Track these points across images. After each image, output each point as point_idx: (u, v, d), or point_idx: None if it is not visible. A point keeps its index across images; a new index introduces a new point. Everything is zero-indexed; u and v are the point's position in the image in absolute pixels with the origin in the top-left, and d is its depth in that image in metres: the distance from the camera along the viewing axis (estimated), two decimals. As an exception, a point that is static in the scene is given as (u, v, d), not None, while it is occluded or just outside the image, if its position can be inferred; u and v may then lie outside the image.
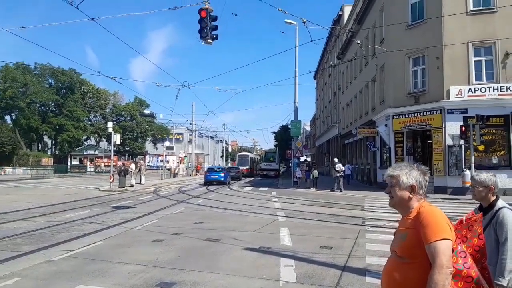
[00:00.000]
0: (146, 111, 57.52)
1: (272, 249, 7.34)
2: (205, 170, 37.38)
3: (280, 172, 51.00)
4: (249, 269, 6.02)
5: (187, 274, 5.69)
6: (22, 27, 16.12)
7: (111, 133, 25.38)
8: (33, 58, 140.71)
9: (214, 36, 13.89)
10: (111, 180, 23.22)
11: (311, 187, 23.93)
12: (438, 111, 18.99)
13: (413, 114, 20.26)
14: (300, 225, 10.36)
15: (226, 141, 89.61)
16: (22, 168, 36.64)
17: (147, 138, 64.47)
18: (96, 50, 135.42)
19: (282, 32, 49.03)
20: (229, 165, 65.41)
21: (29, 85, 46.75)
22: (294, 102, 29.44)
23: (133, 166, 26.80)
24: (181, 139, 76.06)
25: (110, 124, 25.51)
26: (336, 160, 24.96)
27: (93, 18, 14.93)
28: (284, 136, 53.24)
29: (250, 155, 57.28)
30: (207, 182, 29.44)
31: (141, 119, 59.84)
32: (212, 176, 30.12)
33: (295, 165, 28.57)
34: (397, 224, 2.32)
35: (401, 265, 2.08)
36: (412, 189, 2.14)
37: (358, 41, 25.42)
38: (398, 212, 2.25)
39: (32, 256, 6.75)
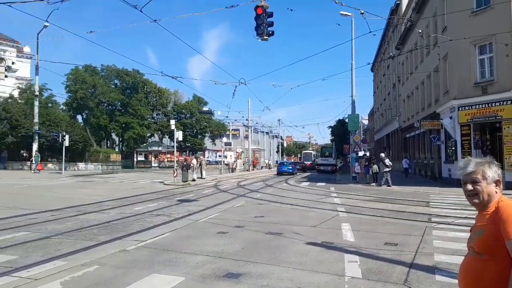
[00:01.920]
0: (205, 109, 59.27)
1: (335, 244, 7.31)
2: (277, 164, 49.27)
3: (337, 167, 50.18)
4: (312, 263, 6.06)
5: (252, 266, 5.85)
6: (91, 32, 17.30)
7: (173, 130, 26.54)
8: (100, 60, 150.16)
9: (270, 32, 14.00)
10: (174, 175, 24.26)
11: (371, 183, 23.32)
12: (509, 102, 17.65)
13: (480, 105, 19.00)
14: (362, 221, 10.18)
15: (281, 136, 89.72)
16: (93, 163, 39.40)
17: (206, 134, 66.38)
18: (156, 51, 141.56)
19: (338, 25, 48.64)
20: (285, 160, 70.98)
21: (97, 86, 49.94)
22: (351, 95, 28.78)
23: (194, 161, 27.80)
24: (238, 135, 77.42)
25: (172, 122, 26.67)
26: (383, 155, 24.15)
27: (155, 20, 15.70)
28: (341, 130, 52.24)
29: (313, 152, 69.44)
30: (279, 173, 38.71)
31: (200, 116, 61.72)
32: (283, 168, 40.09)
33: (353, 160, 27.98)
34: (466, 221, 2.25)
35: (479, 262, 2.01)
36: (497, 183, 2.07)
37: (420, 30, 24.24)
38: (467, 209, 2.18)
39: (108, 245, 7.28)
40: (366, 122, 73.22)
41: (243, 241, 7.67)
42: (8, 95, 46.36)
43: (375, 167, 23.89)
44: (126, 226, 9.25)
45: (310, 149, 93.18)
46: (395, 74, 40.60)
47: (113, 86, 55.11)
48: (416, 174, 31.80)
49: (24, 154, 37.27)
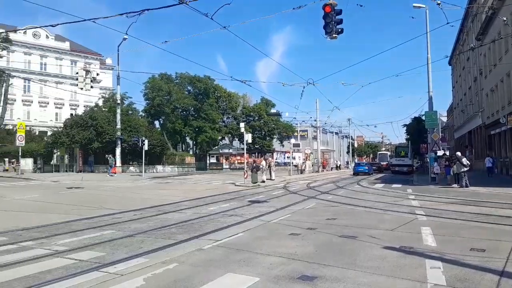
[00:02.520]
0: (273, 110, 59.73)
1: (414, 249, 6.91)
2: (354, 164, 52.79)
3: (414, 168, 47.59)
4: (391, 268, 5.78)
5: (327, 269, 5.73)
6: (166, 41, 18.29)
7: (243, 132, 27.09)
8: (174, 68, 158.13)
9: (339, 30, 13.68)
10: (245, 176, 24.73)
11: (452, 184, 21.73)
12: None
13: None
14: (444, 225, 9.51)
15: (351, 136, 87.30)
16: (170, 166, 41.67)
17: (274, 136, 66.83)
18: (226, 56, 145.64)
19: (412, 17, 45.85)
20: (356, 160, 72.07)
21: (172, 93, 52.69)
22: (428, 91, 27.12)
23: (263, 163, 28.09)
24: (306, 136, 76.80)
25: (242, 125, 27.24)
26: (459, 153, 22.28)
27: (224, 27, 16.14)
28: (416, 128, 49.43)
29: (388, 152, 73.36)
30: (355, 173, 40.03)
31: (268, 118, 62.32)
32: (360, 168, 41.30)
33: (432, 160, 26.31)
34: None
35: None
36: None
37: (504, 18, 22.15)
38: None
39: (186, 244, 7.59)
40: (444, 119, 68.66)
41: (316, 243, 7.56)
42: (94, 104, 50.80)
43: (456, 167, 22.23)
44: (202, 226, 9.59)
45: (383, 149, 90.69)
46: (476, 67, 37.57)
47: (186, 93, 57.74)
48: (502, 174, 29.08)
49: (109, 158, 40.44)
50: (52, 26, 13.79)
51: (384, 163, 55.70)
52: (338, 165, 65.38)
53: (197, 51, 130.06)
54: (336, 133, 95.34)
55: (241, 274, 5.56)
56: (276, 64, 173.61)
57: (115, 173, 32.18)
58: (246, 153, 29.88)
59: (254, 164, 26.17)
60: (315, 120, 51.95)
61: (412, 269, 5.72)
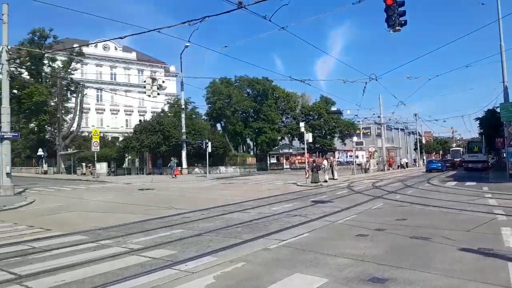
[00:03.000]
0: (333, 109, 58.64)
1: (494, 251, 6.41)
2: (426, 162, 53.74)
3: (489, 164, 44.17)
4: (469, 271, 5.41)
5: (399, 271, 5.51)
6: (225, 46, 18.68)
7: (303, 132, 26.92)
8: (233, 71, 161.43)
9: (402, 22, 13.17)
10: (306, 176, 24.54)
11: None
12: None
13: None
14: (529, 225, 8.72)
15: (418, 132, 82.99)
16: (232, 167, 42.60)
17: (335, 134, 65.57)
18: (283, 57, 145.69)
19: (482, 4, 42.44)
20: (424, 158, 68.77)
21: (232, 96, 53.78)
22: (503, 81, 25.00)
23: (325, 162, 27.69)
24: (369, 133, 74.33)
25: (302, 124, 27.07)
26: None
27: (283, 27, 16.14)
28: (491, 122, 45.78)
29: (460, 149, 69.55)
30: (428, 170, 41.09)
31: (328, 116, 61.29)
32: (433, 166, 42.54)
33: (509, 155, 24.25)
34: None
35: None
36: None
37: None
38: None
39: (252, 243, 7.70)
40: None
41: (386, 245, 7.29)
42: (160, 110, 53.37)
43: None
44: (266, 226, 9.67)
45: (454, 144, 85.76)
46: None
47: (246, 95, 58.61)
48: None
49: (171, 161, 42.22)
50: (120, 38, 14.83)
51: (458, 159, 54.44)
52: (405, 163, 62.53)
53: (255, 54, 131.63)
54: (402, 130, 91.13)
55: (309, 274, 5.53)
56: (335, 61, 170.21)
57: (177, 175, 33.45)
58: (307, 152, 29.62)
59: (314, 164, 25.85)
60: (378, 117, 50.15)
61: (493, 272, 5.32)
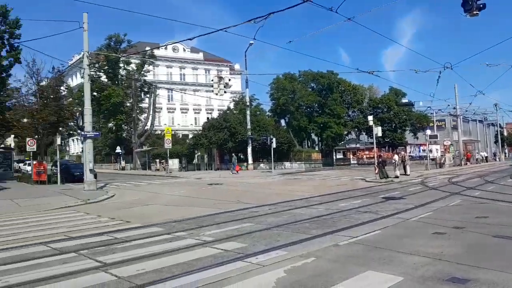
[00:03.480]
0: (403, 101, 55.92)
1: None
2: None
3: None
4: None
5: (482, 272, 5.12)
6: (290, 41, 18.60)
7: (371, 126, 26.02)
8: (297, 66, 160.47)
9: (481, 5, 12.22)
10: (376, 172, 23.72)
11: None
12: None
13: None
14: None
15: (499, 123, 76.29)
16: (297, 162, 42.46)
17: (406, 128, 62.56)
18: (349, 49, 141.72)
19: None
20: (506, 151, 61.66)
21: (296, 91, 53.47)
22: None
23: (396, 157, 26.53)
24: (444, 126, 69.92)
25: (370, 118, 26.20)
26: None
27: (349, 18, 15.69)
28: None
29: None
30: None
31: (398, 109, 58.59)
32: None
33: None
34: None
35: None
36: None
37: None
38: None
39: (321, 239, 7.62)
40: None
41: (465, 243, 6.82)
42: (226, 108, 54.72)
43: None
44: (335, 222, 9.51)
45: None
46: None
47: (310, 89, 57.94)
48: None
49: (241, 157, 43.08)
50: (189, 39, 15.37)
51: None
52: (485, 157, 57.88)
53: (319, 47, 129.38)
54: (480, 121, 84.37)
55: (382, 272, 5.34)
56: (405, 50, 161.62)
57: (238, 171, 33.90)
58: (376, 147, 28.60)
59: (380, 159, 24.95)
60: (454, 108, 47.00)
61: None
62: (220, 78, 25.96)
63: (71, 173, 27.57)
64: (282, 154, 41.88)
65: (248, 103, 41.09)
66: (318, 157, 48.23)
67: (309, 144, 61.10)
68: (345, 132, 60.49)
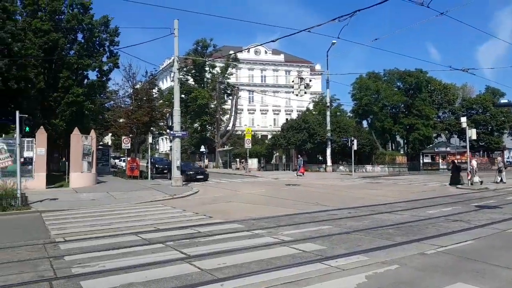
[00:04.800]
0: (502, 101, 50.63)
1: None
2: None
3: None
4: None
5: None
6: (376, 39, 17.87)
7: (464, 128, 23.97)
8: (382, 65, 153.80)
9: None
10: (468, 178, 21.83)
11: None
12: None
13: None
14: None
15: None
16: (380, 166, 40.61)
17: (504, 131, 56.66)
18: (439, 45, 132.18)
19: None
20: None
21: (381, 91, 51.28)
22: None
23: (474, 162, 24.50)
24: (552, 128, 61.90)
25: (463, 119, 24.16)
26: None
27: (442, 13, 14.65)
28: None
29: None
30: None
31: (495, 110, 53.31)
32: None
33: None
34: None
35: None
36: None
37: None
38: None
39: (406, 247, 7.22)
40: None
41: None
42: (305, 109, 54.44)
43: None
44: (421, 229, 8.94)
45: None
46: None
47: (396, 89, 55.26)
48: None
49: (320, 158, 42.50)
50: (272, 41, 15.54)
51: None
52: None
53: (406, 44, 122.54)
54: None
55: (475, 285, 4.90)
56: (505, 45, 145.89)
57: (303, 173, 33.04)
58: (469, 151, 26.24)
59: (453, 164, 23.73)
60: None
61: None
62: (301, 79, 25.88)
63: (156, 167, 33.07)
64: (364, 157, 40.45)
65: (328, 104, 40.42)
66: (403, 160, 45.61)
67: (393, 147, 58.33)
68: (434, 135, 56.65)
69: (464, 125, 23.74)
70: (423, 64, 79.97)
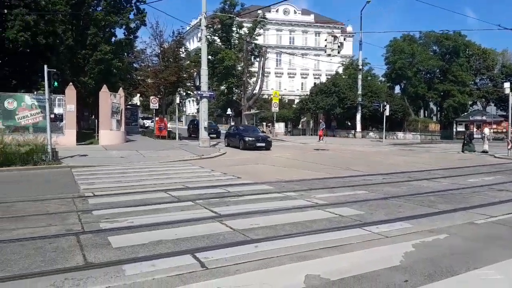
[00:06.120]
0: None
1: None
2: None
3: None
4: None
5: None
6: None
7: (507, 95, 22.47)
8: (416, 27, 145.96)
9: None
10: (508, 147, 20.65)
11: None
12: None
13: None
14: None
15: None
16: (412, 133, 39.18)
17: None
18: (477, 8, 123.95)
19: None
20: None
21: (415, 55, 48.85)
22: None
23: (486, 130, 23.58)
24: None
25: (507, 85, 22.53)
26: None
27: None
28: None
29: None
30: None
31: (540, 77, 50.08)
32: None
33: None
34: None
35: None
36: None
37: None
38: None
39: (451, 215, 6.68)
40: None
41: None
42: (334, 72, 52.72)
43: None
44: (465, 198, 8.33)
45: None
46: None
47: (431, 53, 52.53)
48: None
49: (348, 124, 41.37)
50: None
51: None
52: None
53: (444, 4, 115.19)
54: None
55: (540, 261, 4.36)
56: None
57: (320, 137, 31.62)
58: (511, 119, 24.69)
59: (468, 132, 24.32)
60: None
61: None
62: (335, 37, 24.63)
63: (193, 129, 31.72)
64: (395, 123, 39.05)
65: (360, 66, 38.76)
66: (436, 128, 43.90)
67: (426, 114, 56.30)
68: (470, 102, 54.11)
69: (508, 90, 22.23)
70: (463, 25, 75.41)
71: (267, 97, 56.47)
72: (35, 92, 20.63)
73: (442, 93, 50.04)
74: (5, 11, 18.90)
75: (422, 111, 56.46)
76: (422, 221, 6.15)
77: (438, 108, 55.33)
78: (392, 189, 9.39)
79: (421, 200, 8.06)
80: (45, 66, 13.38)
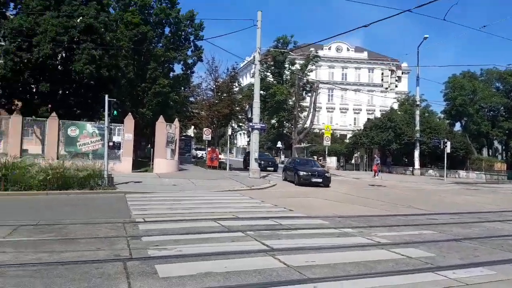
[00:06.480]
0: None
1: None
2: None
3: None
4: None
5: None
6: (484, 26, 15.59)
7: None
8: (475, 62, 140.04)
9: None
10: None
11: None
12: None
13: None
14: None
15: None
16: (475, 172, 36.49)
17: None
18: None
19: None
20: None
21: (477, 91, 46.54)
22: None
23: None
24: None
25: None
26: None
27: None
28: None
29: None
30: None
31: None
32: None
33: None
34: None
35: None
36: None
37: None
38: None
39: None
40: None
41: None
42: (388, 108, 51.27)
43: None
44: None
45: None
46: None
47: (494, 90, 49.74)
48: None
49: (405, 160, 39.47)
50: (364, 26, 14.13)
51: None
52: None
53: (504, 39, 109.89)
54: None
55: None
56: None
57: (375, 172, 30.03)
58: None
59: None
60: None
61: None
62: (392, 71, 23.93)
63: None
64: (456, 161, 36.67)
65: (418, 102, 37.33)
66: (502, 167, 40.63)
67: (489, 153, 52.65)
68: (540, 141, 49.90)
69: None
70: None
71: (318, 131, 55.96)
72: (97, 121, 21.74)
73: (507, 131, 46.74)
74: (74, 46, 20.33)
75: (485, 149, 52.89)
76: (507, 268, 5.30)
77: (504, 147, 51.60)
78: (462, 230, 8.44)
79: (499, 243, 7.09)
80: (106, 96, 13.98)
